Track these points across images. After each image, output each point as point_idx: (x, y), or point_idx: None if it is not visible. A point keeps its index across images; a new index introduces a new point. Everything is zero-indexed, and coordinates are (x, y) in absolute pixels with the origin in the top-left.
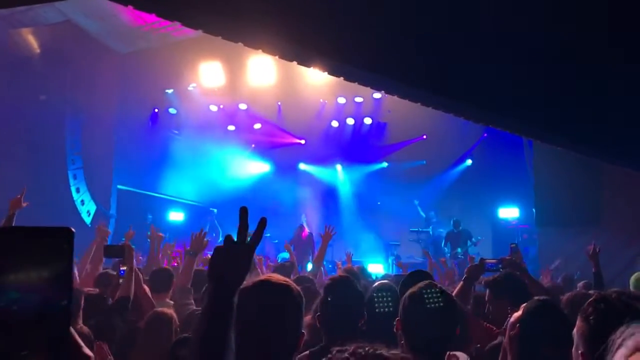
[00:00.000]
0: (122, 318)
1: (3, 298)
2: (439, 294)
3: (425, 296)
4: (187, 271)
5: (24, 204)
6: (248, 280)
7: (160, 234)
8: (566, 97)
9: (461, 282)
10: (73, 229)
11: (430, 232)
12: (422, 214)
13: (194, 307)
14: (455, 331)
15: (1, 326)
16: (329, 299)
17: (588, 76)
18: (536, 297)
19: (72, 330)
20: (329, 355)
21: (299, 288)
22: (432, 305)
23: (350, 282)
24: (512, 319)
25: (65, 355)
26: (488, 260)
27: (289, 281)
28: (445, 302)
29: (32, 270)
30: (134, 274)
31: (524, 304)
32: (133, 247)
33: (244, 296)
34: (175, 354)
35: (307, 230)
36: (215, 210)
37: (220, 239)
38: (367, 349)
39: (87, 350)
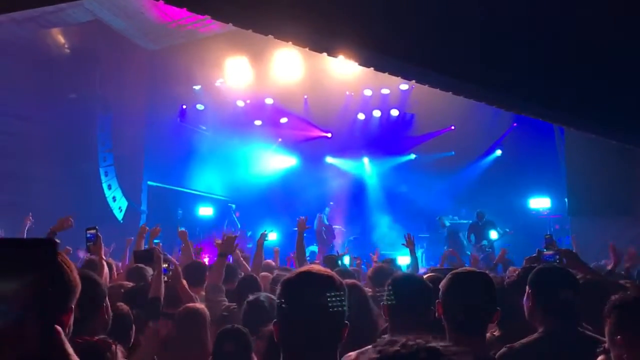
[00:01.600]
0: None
1: None
2: (478, 275)
3: (465, 277)
4: (219, 270)
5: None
6: (291, 272)
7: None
8: (600, 81)
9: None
10: (58, 241)
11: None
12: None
13: (227, 303)
14: (494, 312)
15: None
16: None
17: (624, 60)
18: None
19: (63, 338)
20: (378, 348)
21: (341, 279)
22: (472, 285)
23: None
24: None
25: None
26: (545, 252)
27: (331, 272)
28: (484, 283)
29: (11, 282)
30: (171, 270)
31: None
32: (162, 251)
33: (287, 288)
34: (221, 347)
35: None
36: (234, 206)
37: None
38: (418, 341)
39: (75, 359)
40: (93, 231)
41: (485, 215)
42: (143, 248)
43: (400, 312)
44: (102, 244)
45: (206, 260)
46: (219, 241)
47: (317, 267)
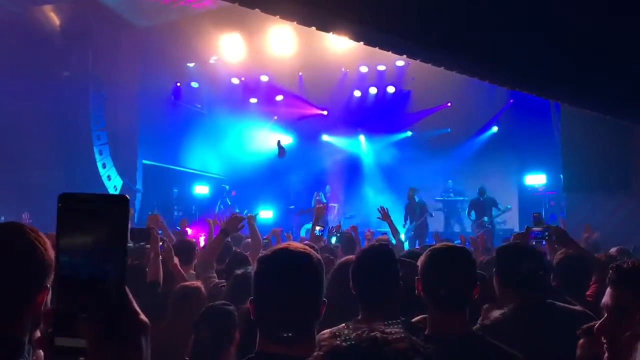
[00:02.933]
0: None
1: (63, 262)
2: (457, 250)
3: (444, 252)
4: (215, 247)
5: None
6: (267, 250)
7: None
8: (596, 57)
9: None
10: (128, 197)
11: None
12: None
13: (217, 280)
14: (475, 287)
15: (61, 289)
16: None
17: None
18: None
19: (130, 296)
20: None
21: (319, 256)
22: (452, 260)
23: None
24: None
25: (121, 320)
26: (534, 229)
27: (308, 248)
28: (463, 257)
29: (88, 235)
30: (165, 250)
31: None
32: (159, 231)
33: (263, 265)
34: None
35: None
36: (227, 187)
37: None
38: (365, 330)
39: (143, 317)
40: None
41: (487, 191)
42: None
43: (367, 289)
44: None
45: (202, 239)
46: (211, 220)
47: (294, 244)
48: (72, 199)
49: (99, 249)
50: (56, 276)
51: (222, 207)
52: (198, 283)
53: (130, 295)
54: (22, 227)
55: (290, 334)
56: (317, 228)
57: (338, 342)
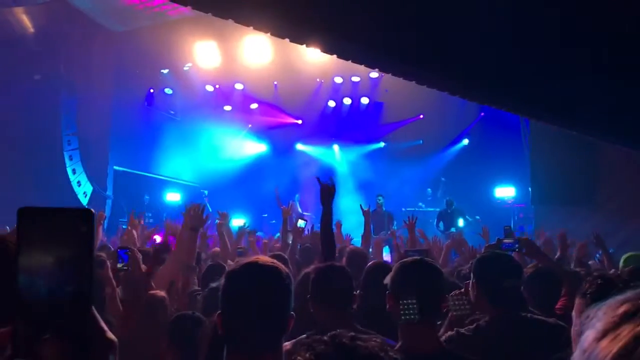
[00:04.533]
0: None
1: (23, 281)
2: (426, 264)
3: (414, 266)
4: (190, 248)
5: None
6: (236, 263)
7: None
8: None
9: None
10: (93, 210)
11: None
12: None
13: (196, 287)
14: (444, 300)
15: (22, 309)
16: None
17: (583, 56)
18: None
19: (95, 314)
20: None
21: (287, 270)
22: (422, 273)
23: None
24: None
25: (87, 339)
26: (505, 240)
27: (277, 262)
28: (433, 270)
29: (50, 253)
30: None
31: None
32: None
33: (232, 278)
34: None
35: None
36: (206, 192)
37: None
38: (343, 336)
39: (110, 335)
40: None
41: (454, 203)
42: (102, 238)
43: (323, 303)
44: None
45: (157, 238)
46: (170, 222)
47: (263, 258)
48: (33, 214)
49: (63, 266)
50: (16, 296)
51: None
52: (163, 293)
53: (97, 313)
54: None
55: (259, 347)
56: (300, 221)
57: (319, 336)
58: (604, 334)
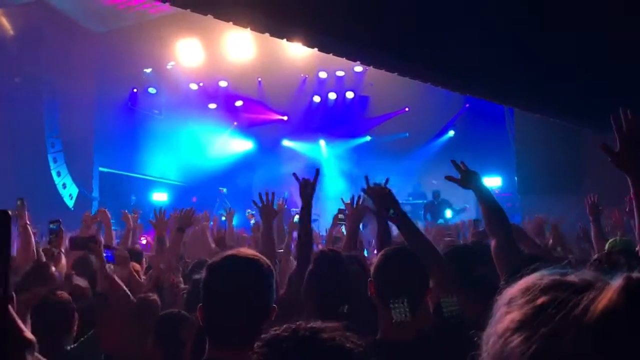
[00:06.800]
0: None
1: None
2: (409, 252)
3: (396, 254)
4: (175, 248)
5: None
6: (217, 255)
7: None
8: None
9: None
10: (9, 212)
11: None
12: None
13: (182, 286)
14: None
15: None
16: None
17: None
18: None
19: (12, 312)
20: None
21: (268, 262)
22: (404, 261)
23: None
24: None
25: (2, 337)
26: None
27: (258, 254)
28: (415, 258)
29: None
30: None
31: None
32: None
33: (213, 270)
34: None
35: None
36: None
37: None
38: (304, 329)
39: (28, 335)
40: (57, 224)
41: (441, 194)
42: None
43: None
44: (64, 237)
45: (144, 241)
46: (155, 221)
47: (244, 251)
48: None
49: None
50: None
51: (222, 212)
52: (155, 296)
53: (14, 312)
54: None
55: (239, 340)
56: (297, 217)
57: (277, 332)
58: (520, 325)
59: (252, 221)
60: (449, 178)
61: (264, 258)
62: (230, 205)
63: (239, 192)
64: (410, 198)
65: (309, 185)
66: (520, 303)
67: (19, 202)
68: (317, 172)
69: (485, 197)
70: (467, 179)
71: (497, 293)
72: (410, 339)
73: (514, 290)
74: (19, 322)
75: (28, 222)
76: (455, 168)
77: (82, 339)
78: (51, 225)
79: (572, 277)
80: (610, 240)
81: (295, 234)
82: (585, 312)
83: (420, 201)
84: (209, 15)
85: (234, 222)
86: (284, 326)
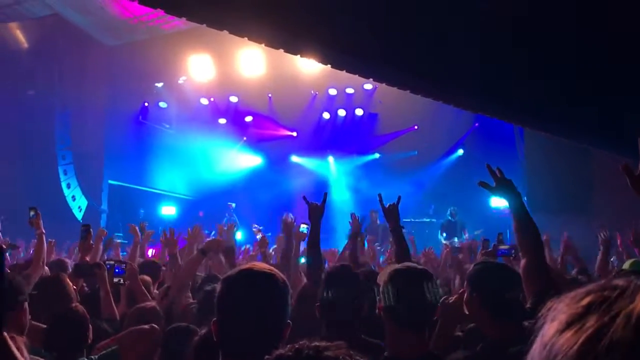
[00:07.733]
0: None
1: None
2: (419, 271)
3: (406, 272)
4: (191, 268)
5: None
6: (233, 270)
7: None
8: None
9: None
10: (3, 246)
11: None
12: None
13: (190, 300)
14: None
15: None
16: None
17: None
18: None
19: (5, 336)
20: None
21: (284, 277)
22: (414, 280)
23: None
24: None
25: None
26: (501, 247)
27: (274, 269)
28: (426, 277)
29: None
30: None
31: None
32: (107, 266)
33: (227, 286)
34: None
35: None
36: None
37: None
38: (308, 348)
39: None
40: (33, 212)
41: (458, 214)
42: (100, 252)
43: (331, 309)
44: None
45: (150, 252)
46: (164, 239)
47: (259, 265)
48: None
49: None
50: None
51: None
52: (153, 303)
53: (7, 337)
54: None
55: (254, 355)
56: (303, 226)
57: (281, 352)
58: (567, 326)
59: (259, 236)
60: (483, 184)
61: (280, 273)
62: (238, 219)
63: (247, 207)
64: (427, 220)
65: (317, 209)
66: (565, 309)
67: (32, 212)
68: (325, 195)
69: (517, 211)
70: (501, 187)
71: (525, 316)
72: (417, 357)
73: (558, 304)
74: (12, 346)
75: (43, 231)
76: (489, 174)
77: (103, 352)
78: (31, 213)
79: (616, 280)
80: (631, 261)
81: (302, 244)
82: (632, 300)
83: (428, 220)
84: (224, 31)
85: (241, 237)
86: (288, 346)
